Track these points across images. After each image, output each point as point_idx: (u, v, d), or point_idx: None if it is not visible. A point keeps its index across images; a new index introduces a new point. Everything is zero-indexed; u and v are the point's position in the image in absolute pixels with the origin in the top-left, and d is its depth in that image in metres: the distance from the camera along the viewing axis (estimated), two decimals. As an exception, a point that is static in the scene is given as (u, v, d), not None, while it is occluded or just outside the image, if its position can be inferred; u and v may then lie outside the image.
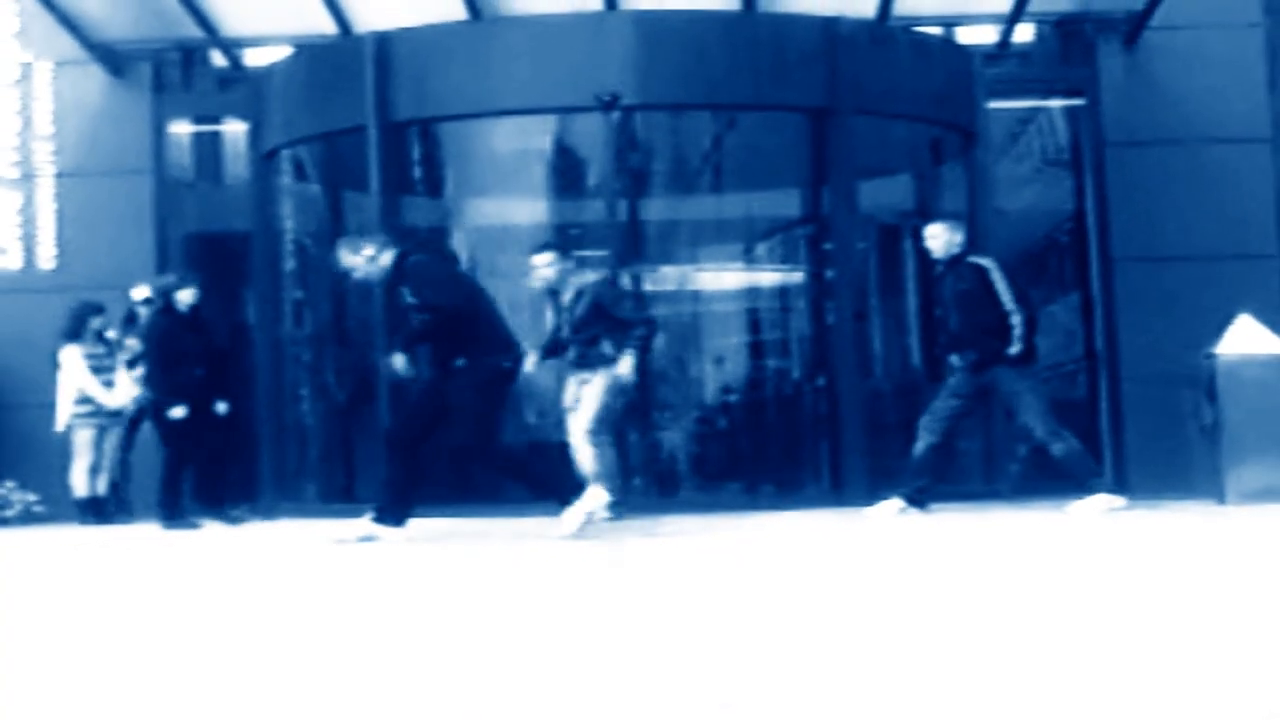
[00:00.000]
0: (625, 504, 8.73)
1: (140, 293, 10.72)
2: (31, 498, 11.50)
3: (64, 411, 10.80)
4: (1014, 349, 8.65)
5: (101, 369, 10.81)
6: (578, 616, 3.67)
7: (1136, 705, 2.14)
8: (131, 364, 10.43)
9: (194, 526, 9.40)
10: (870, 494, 9.93)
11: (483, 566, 5.63)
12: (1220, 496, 8.71)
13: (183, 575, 5.85)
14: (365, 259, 7.36)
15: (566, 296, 8.79)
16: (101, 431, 10.79)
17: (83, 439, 10.75)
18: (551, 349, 8.88)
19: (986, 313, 8.73)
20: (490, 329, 7.29)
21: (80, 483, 10.77)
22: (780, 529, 7.56)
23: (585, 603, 4.02)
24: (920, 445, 8.91)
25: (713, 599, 4.04)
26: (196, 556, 6.99)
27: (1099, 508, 8.43)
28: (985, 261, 8.91)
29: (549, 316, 8.97)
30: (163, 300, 9.87)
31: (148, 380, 9.88)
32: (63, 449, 10.85)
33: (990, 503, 9.57)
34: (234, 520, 9.91)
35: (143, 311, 10.62)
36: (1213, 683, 2.34)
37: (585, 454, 8.74)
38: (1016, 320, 8.67)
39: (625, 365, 8.60)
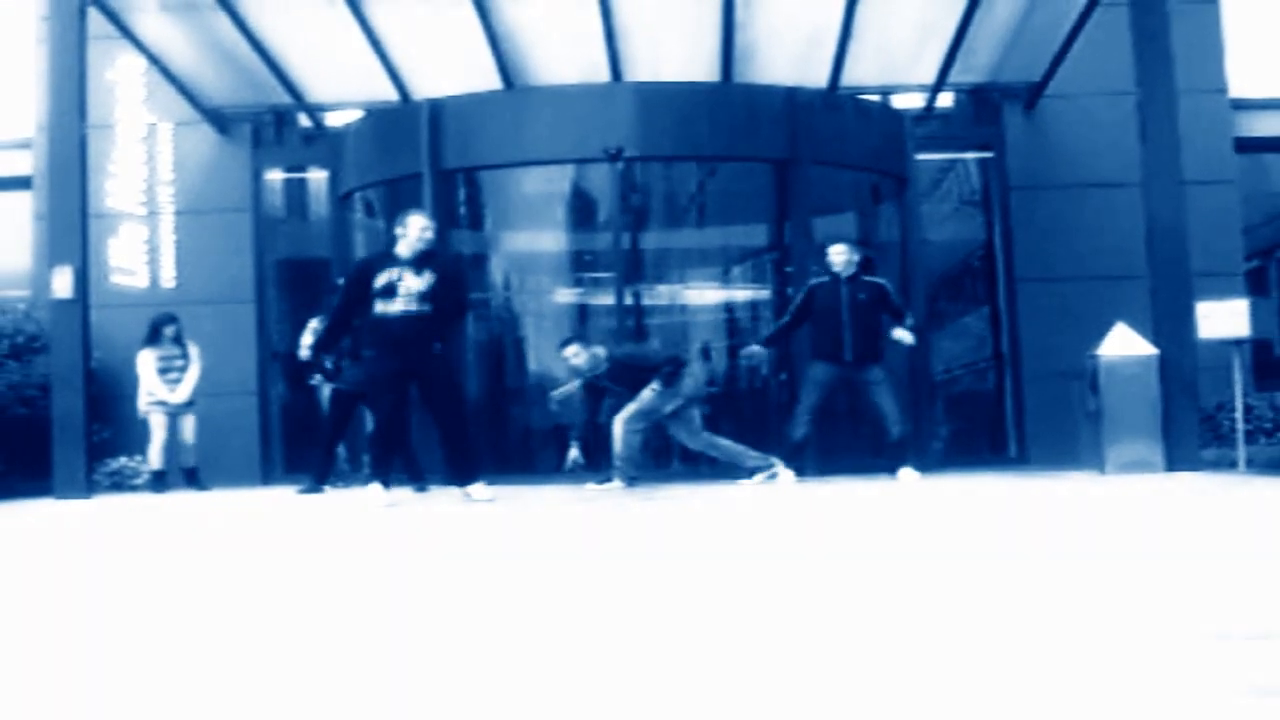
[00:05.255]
0: (639, 479, 8.87)
1: None
2: (154, 469, 11.54)
3: (142, 402, 10.83)
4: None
5: (172, 369, 10.82)
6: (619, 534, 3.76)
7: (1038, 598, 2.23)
8: None
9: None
10: (821, 468, 10.01)
11: (538, 513, 5.71)
12: (1101, 467, 8.80)
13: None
14: None
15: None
16: (172, 418, 10.79)
17: (156, 423, 10.75)
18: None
19: (872, 318, 8.97)
20: None
21: (155, 458, 10.77)
22: (750, 493, 7.64)
23: (621, 527, 4.11)
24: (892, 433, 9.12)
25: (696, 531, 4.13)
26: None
27: (912, 477, 8.71)
28: (880, 280, 9.08)
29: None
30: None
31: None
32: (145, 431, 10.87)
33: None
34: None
35: None
36: (1094, 583, 2.44)
37: (617, 436, 8.83)
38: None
39: (648, 391, 8.77)
